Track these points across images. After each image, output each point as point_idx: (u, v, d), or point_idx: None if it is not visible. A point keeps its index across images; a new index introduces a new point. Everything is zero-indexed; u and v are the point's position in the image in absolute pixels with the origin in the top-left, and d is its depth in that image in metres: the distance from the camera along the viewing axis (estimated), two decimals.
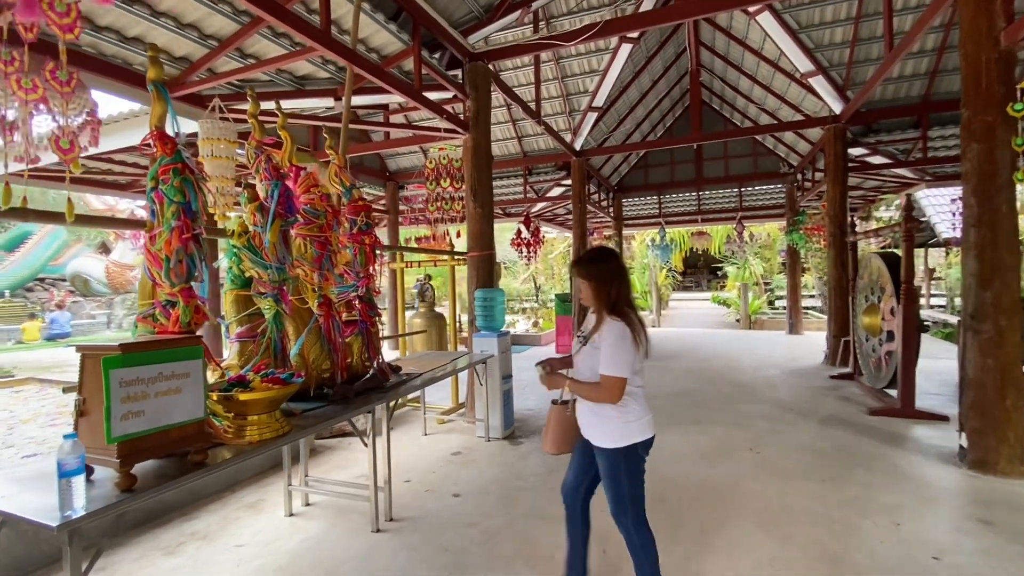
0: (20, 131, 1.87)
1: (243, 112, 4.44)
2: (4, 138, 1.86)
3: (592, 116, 9.10)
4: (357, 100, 5.07)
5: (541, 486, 3.60)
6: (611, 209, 13.29)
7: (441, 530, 3.00)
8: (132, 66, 3.85)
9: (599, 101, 8.81)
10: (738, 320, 14.20)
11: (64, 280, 17.23)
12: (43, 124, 2.39)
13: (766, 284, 17.26)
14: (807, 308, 13.99)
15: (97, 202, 15.89)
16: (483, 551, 2.76)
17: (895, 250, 8.13)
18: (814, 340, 10.37)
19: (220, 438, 2.17)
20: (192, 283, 2.17)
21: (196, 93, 4.05)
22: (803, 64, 7.25)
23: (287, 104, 4.53)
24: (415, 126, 6.35)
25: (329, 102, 4.68)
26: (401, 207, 10.40)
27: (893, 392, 5.31)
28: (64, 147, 1.95)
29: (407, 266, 5.80)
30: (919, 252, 14.45)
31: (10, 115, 1.91)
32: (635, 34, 7.14)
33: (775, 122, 10.21)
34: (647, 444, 2.09)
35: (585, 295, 2.12)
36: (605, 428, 2.05)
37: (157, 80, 2.20)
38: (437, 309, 6.65)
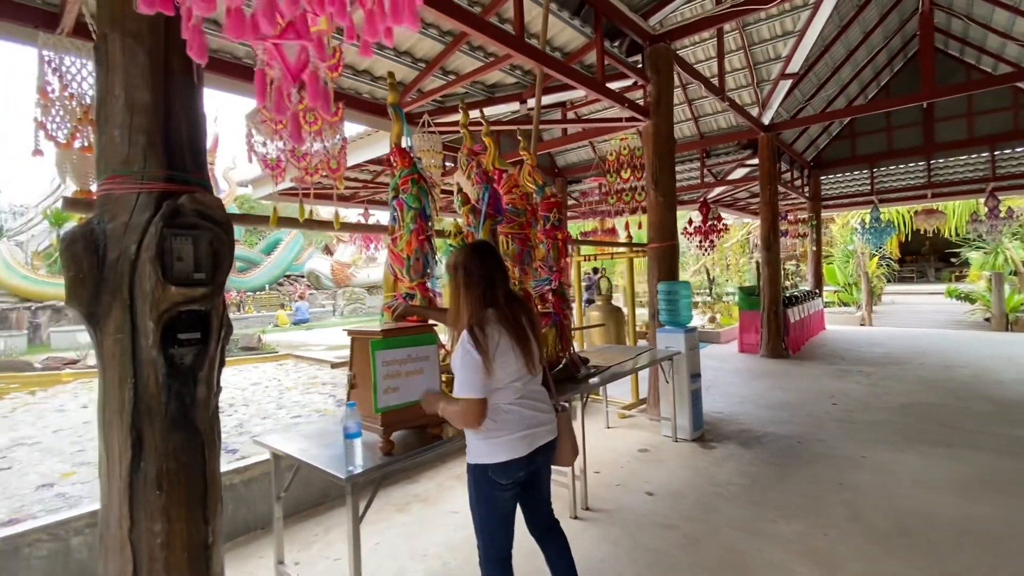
0: (307, 159, 2.35)
1: (446, 125, 4.99)
2: (288, 161, 2.36)
3: (785, 85, 8.02)
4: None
5: (743, 496, 3.31)
6: (806, 188, 11.62)
7: (639, 528, 2.96)
8: (360, 95, 4.58)
9: (794, 66, 7.72)
10: (987, 319, 11.24)
11: (303, 276, 21.49)
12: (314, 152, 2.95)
13: None
14: None
15: (325, 212, 19.42)
16: (686, 556, 2.64)
17: None
18: None
19: None
20: (426, 278, 2.48)
21: (408, 112, 4.64)
22: None
23: (477, 112, 4.91)
24: (585, 119, 6.34)
25: (515, 106, 4.94)
26: (570, 201, 10.55)
27: None
28: (333, 167, 2.39)
29: (582, 259, 5.82)
30: None
31: (304, 146, 2.39)
32: None
33: None
34: (506, 469, 1.77)
35: None
36: (469, 440, 1.85)
37: (395, 103, 2.55)
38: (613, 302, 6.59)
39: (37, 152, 2.30)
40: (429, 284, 2.50)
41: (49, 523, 2.45)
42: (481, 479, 1.81)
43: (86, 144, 2.29)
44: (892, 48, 10.00)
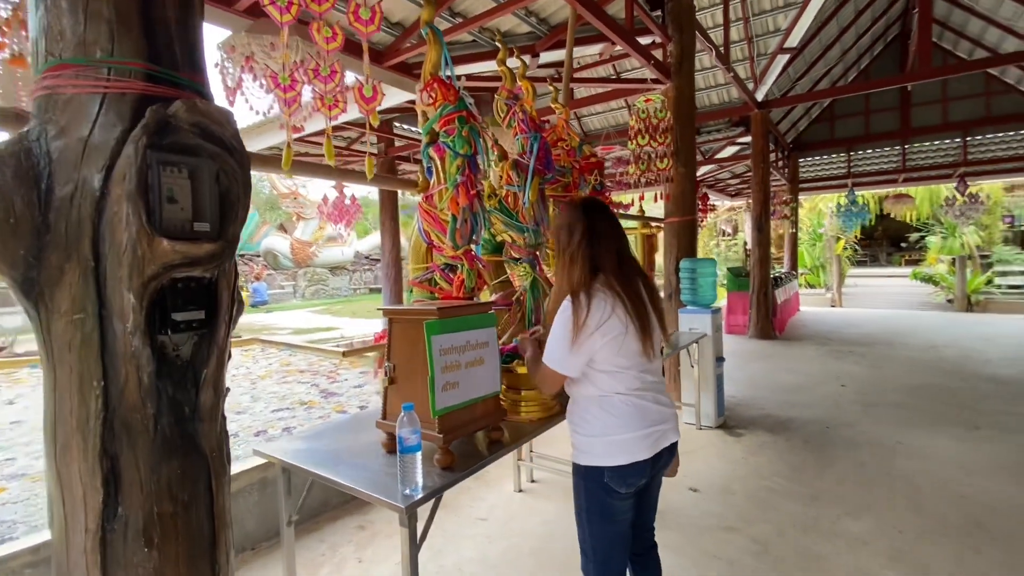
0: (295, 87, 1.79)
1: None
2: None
3: (781, 60, 7.80)
4: (544, 58, 4.75)
5: (795, 491, 3.04)
6: (785, 170, 11.63)
7: (699, 532, 2.62)
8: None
9: (793, 41, 7.48)
10: (950, 300, 11.70)
11: (259, 255, 20.11)
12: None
13: (983, 257, 14.02)
14: None
15: (282, 185, 18.10)
16: (765, 567, 2.32)
17: None
18: None
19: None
20: (473, 244, 1.99)
21: (404, 62, 4.04)
22: None
23: (485, 66, 4.36)
24: (601, 80, 5.87)
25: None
26: None
27: None
28: (367, 95, 1.84)
29: None
30: None
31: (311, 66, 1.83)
32: None
33: None
34: (625, 474, 1.44)
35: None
36: (573, 436, 1.55)
37: (431, 22, 2.01)
38: None
39: None
40: (476, 251, 2.01)
41: None
42: (594, 485, 1.47)
43: (15, 53, 1.65)
44: (876, 32, 9.99)
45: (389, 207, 8.45)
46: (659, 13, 4.62)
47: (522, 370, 1.99)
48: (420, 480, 1.42)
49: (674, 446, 1.55)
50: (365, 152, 7.57)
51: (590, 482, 1.48)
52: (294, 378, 5.12)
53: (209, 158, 1.09)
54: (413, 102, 4.80)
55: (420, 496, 1.40)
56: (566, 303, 1.44)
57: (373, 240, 23.61)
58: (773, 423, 4.21)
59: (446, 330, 1.58)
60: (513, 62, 2.60)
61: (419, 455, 1.41)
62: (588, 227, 1.49)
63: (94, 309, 1.00)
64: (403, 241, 8.79)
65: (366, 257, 23.46)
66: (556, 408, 2.12)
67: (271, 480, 2.71)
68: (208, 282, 1.11)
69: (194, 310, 1.08)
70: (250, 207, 1.18)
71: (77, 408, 1.01)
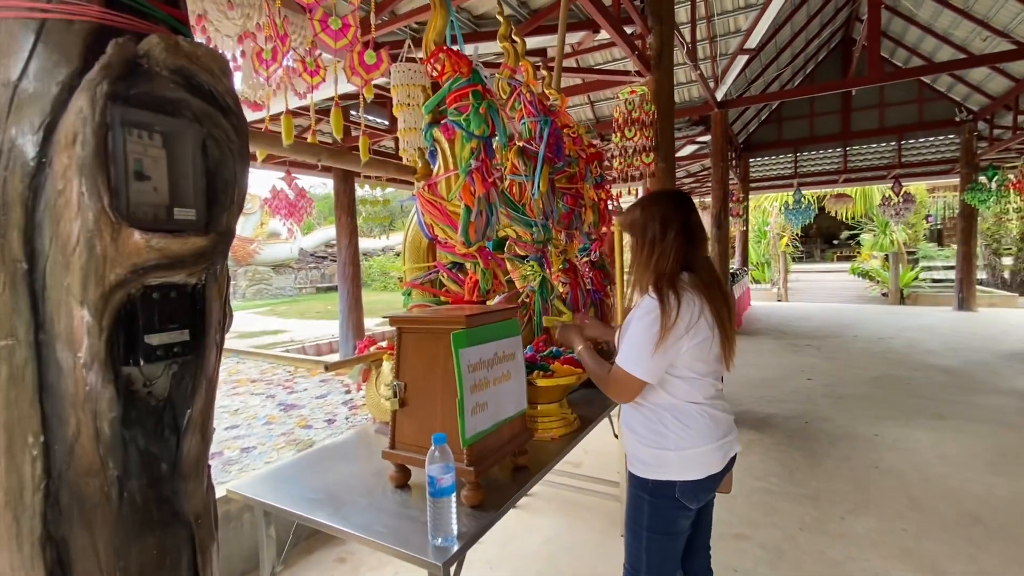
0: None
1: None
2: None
3: (741, 61, 7.96)
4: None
5: (792, 491, 3.00)
6: (737, 169, 12.00)
7: None
8: None
9: (752, 42, 7.65)
10: (884, 294, 12.50)
11: None
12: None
13: (910, 254, 15.12)
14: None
15: None
16: None
17: None
18: (996, 318, 8.81)
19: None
20: (487, 240, 1.74)
21: (378, 39, 3.69)
22: None
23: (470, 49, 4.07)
24: (584, 70, 5.70)
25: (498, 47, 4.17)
26: None
27: None
28: (370, 62, 1.55)
29: None
30: None
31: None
32: None
33: (964, 56, 8.50)
34: (694, 488, 1.36)
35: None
36: (637, 448, 1.44)
37: None
38: None
39: None
40: (489, 247, 1.76)
41: None
42: (663, 501, 1.38)
43: None
44: (823, 38, 10.45)
45: (345, 201, 7.94)
46: (639, 2, 4.51)
47: (541, 382, 1.77)
48: (456, 528, 1.17)
49: (735, 458, 1.45)
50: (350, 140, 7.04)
51: (658, 497, 1.38)
52: (246, 389, 4.65)
53: (194, 120, 0.79)
54: (379, 87, 4.44)
55: (457, 548, 1.15)
56: (651, 302, 1.31)
57: (319, 236, 22.56)
58: (754, 420, 4.20)
59: (473, 342, 1.33)
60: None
61: (453, 498, 1.16)
62: (684, 223, 1.37)
63: (27, 333, 0.69)
64: (360, 238, 8.31)
65: (311, 255, 22.42)
66: (577, 423, 1.92)
67: (234, 514, 2.36)
68: (193, 290, 0.81)
69: (175, 329, 0.78)
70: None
71: (4, 476, 0.69)
